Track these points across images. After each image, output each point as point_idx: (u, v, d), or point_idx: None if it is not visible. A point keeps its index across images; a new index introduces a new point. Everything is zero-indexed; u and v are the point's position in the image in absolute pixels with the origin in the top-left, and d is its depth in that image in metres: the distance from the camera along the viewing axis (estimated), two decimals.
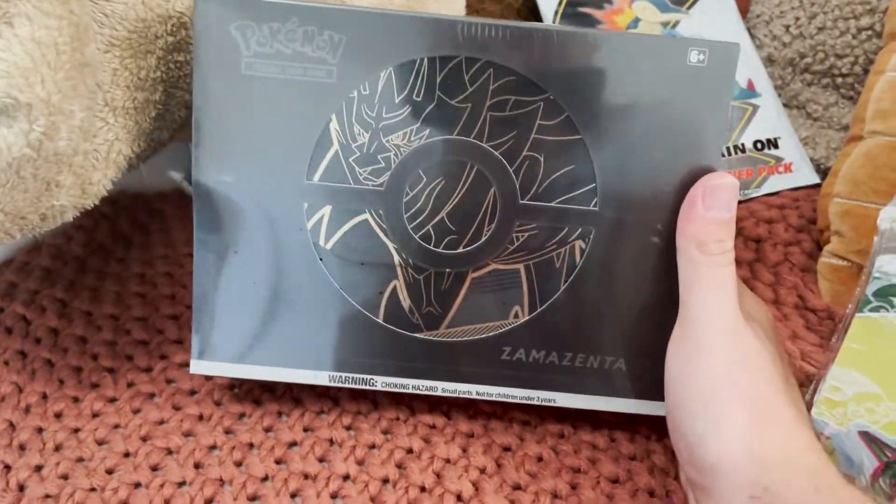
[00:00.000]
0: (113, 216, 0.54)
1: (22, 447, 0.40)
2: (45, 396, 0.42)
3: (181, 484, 0.37)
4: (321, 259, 0.36)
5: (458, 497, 0.36)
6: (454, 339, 0.37)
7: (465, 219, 0.36)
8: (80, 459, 0.39)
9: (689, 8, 0.60)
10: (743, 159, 0.55)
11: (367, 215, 0.36)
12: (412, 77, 0.34)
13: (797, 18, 0.56)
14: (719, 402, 0.30)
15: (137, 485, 0.37)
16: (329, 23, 0.34)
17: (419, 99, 0.34)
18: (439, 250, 0.36)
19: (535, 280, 0.37)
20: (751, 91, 0.57)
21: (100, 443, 0.39)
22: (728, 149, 0.55)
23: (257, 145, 0.35)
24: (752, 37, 0.60)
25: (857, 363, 0.33)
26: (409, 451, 0.38)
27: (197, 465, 0.38)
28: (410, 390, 0.38)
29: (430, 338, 0.37)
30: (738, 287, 0.33)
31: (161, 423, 0.40)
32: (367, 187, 0.36)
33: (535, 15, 0.62)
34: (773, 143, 0.56)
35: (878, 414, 0.33)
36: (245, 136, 0.35)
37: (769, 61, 0.59)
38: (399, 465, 0.37)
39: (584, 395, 0.38)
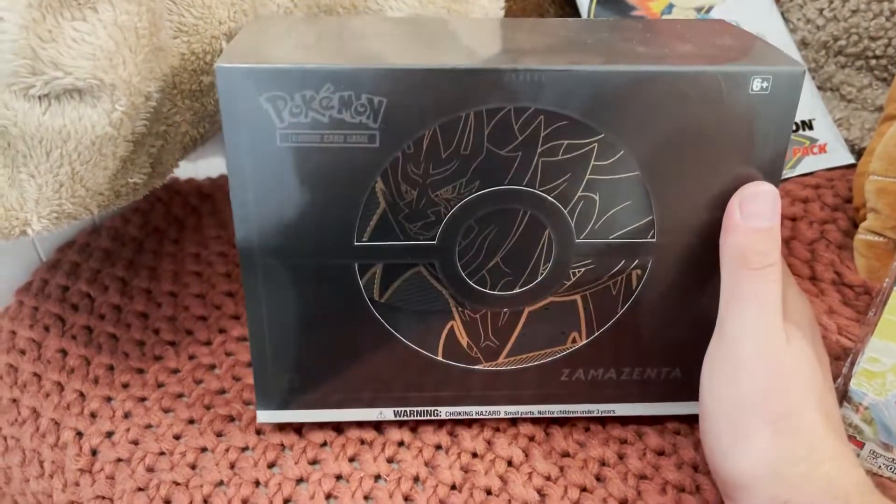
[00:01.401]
0: (167, 200, 0.56)
1: (93, 415, 0.42)
2: (111, 368, 0.44)
3: (244, 449, 0.39)
4: (376, 311, 0.36)
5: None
6: (513, 367, 0.38)
7: (520, 261, 0.35)
8: (149, 426, 0.41)
9: None
10: None
11: (420, 267, 0.35)
12: (458, 132, 0.32)
13: (830, 1, 0.57)
14: (747, 422, 0.31)
15: (203, 449, 0.39)
16: (367, 86, 0.31)
17: (467, 152, 0.33)
18: (495, 292, 0.36)
19: (593, 308, 0.37)
20: None
21: (166, 411, 0.42)
22: None
23: (301, 213, 0.33)
24: (786, 20, 0.61)
25: (895, 335, 0.34)
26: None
27: (258, 432, 0.40)
28: (474, 416, 0.39)
29: (489, 368, 0.38)
30: (781, 296, 0.33)
31: (221, 392, 0.42)
32: (419, 242, 0.35)
33: (572, 5, 0.63)
34: (807, 125, 0.57)
35: None
36: (287, 204, 0.33)
37: (803, 44, 0.60)
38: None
39: (642, 403, 0.39)
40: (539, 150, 0.33)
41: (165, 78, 0.34)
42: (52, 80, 0.30)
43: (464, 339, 0.37)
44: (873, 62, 0.57)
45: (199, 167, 0.60)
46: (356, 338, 0.37)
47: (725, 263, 0.34)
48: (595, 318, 0.37)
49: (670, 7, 0.60)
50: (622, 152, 0.33)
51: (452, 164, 0.33)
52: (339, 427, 0.40)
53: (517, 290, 0.36)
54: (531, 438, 0.39)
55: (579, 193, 0.34)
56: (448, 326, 0.37)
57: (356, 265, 0.35)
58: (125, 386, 0.43)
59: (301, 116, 0.31)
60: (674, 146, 0.33)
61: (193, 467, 0.39)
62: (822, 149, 0.56)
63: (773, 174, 0.33)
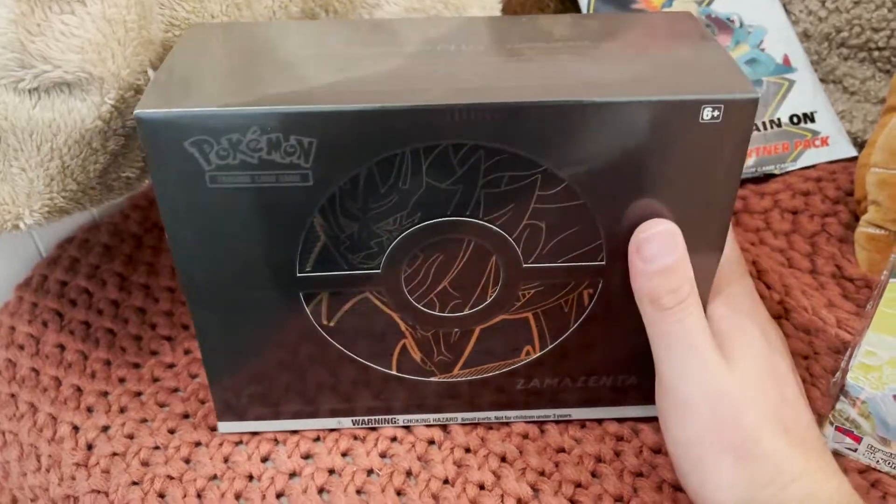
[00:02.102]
0: None
1: (89, 409, 0.42)
2: (108, 363, 0.44)
3: (238, 443, 0.39)
4: (327, 334, 0.36)
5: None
6: (468, 378, 0.38)
7: (467, 286, 0.35)
8: (144, 420, 0.41)
9: None
10: (778, 133, 0.55)
11: (367, 294, 0.35)
12: (395, 169, 0.31)
13: None
14: (707, 457, 0.31)
15: (198, 443, 0.39)
16: (294, 128, 0.30)
17: (406, 187, 0.32)
18: (444, 314, 0.36)
19: (545, 324, 0.37)
20: (787, 66, 0.58)
21: (161, 405, 0.42)
22: (763, 123, 0.56)
23: (239, 249, 0.33)
24: (788, 12, 0.60)
25: (892, 328, 0.33)
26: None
27: None
28: (431, 422, 0.40)
29: (445, 380, 0.38)
30: (705, 325, 0.32)
31: None
32: (363, 271, 0.34)
33: (573, 1, 0.63)
34: (809, 118, 0.56)
35: None
36: (225, 243, 0.33)
37: (805, 36, 0.59)
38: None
39: (598, 407, 0.40)
40: (481, 183, 0.32)
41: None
42: (41, 73, 0.30)
43: (417, 355, 0.37)
44: (876, 54, 0.56)
45: None
46: (309, 358, 0.37)
47: (642, 308, 0.33)
48: (548, 333, 0.37)
49: (671, 0, 0.60)
50: (566, 183, 0.32)
51: (392, 197, 0.32)
52: None
53: (467, 312, 0.36)
54: (525, 436, 0.39)
55: (525, 222, 0.33)
56: (400, 345, 0.37)
57: (301, 294, 0.35)
58: (122, 380, 0.43)
59: (229, 159, 0.30)
60: (620, 176, 0.32)
61: (187, 461, 0.39)
62: (824, 141, 0.56)
63: (724, 202, 0.32)
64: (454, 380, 0.38)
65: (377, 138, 0.30)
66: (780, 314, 0.44)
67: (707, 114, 0.30)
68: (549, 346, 0.37)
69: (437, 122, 0.30)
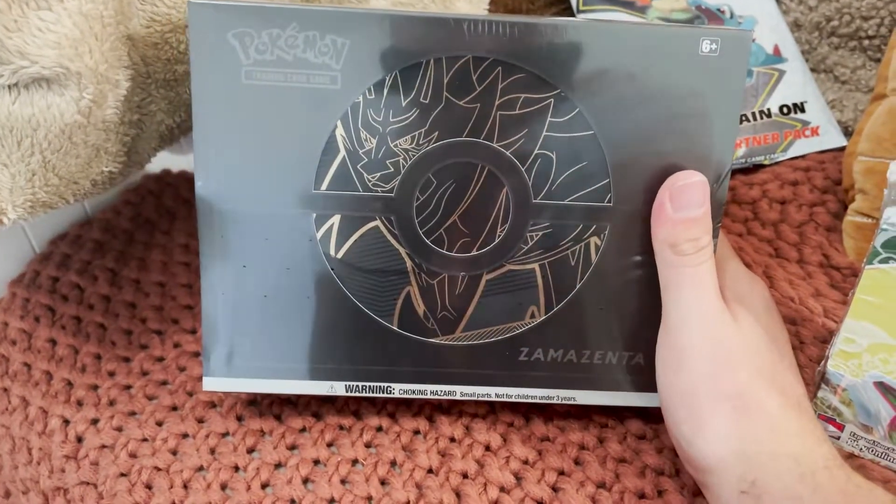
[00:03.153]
0: (158, 192, 0.57)
1: (79, 403, 0.42)
2: (98, 357, 0.45)
3: (224, 434, 0.39)
4: (332, 269, 0.36)
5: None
6: (470, 342, 0.37)
7: (477, 220, 0.35)
8: (133, 413, 0.41)
9: None
10: (768, 124, 0.55)
11: (377, 222, 0.35)
12: (419, 79, 0.33)
13: None
14: (702, 406, 0.31)
15: (185, 435, 0.40)
16: (331, 27, 0.32)
17: (427, 101, 0.33)
18: (452, 254, 0.36)
19: (551, 279, 0.36)
20: (777, 56, 0.57)
21: (149, 398, 0.42)
22: (753, 114, 0.55)
23: (262, 156, 0.34)
24: (779, 2, 0.60)
25: (869, 315, 0.33)
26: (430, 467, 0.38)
27: (239, 418, 0.40)
28: (429, 395, 0.38)
29: (447, 342, 0.37)
30: (729, 271, 0.33)
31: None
32: (377, 193, 0.35)
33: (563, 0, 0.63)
34: (799, 108, 0.56)
35: (892, 364, 0.33)
36: (249, 147, 0.34)
37: (796, 26, 0.59)
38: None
39: (604, 391, 0.38)
40: (497, 103, 0.34)
41: (136, 66, 0.35)
42: (18, 69, 0.30)
43: (420, 308, 0.37)
44: (866, 42, 0.56)
45: (191, 160, 0.61)
46: (310, 300, 0.36)
47: (659, 253, 0.34)
48: (554, 291, 0.37)
49: None
50: (577, 109, 0.34)
51: (412, 112, 0.34)
52: (318, 413, 0.40)
53: (475, 252, 0.36)
54: (510, 424, 0.39)
55: (536, 150, 0.34)
56: (405, 292, 0.36)
57: (314, 216, 0.35)
58: (111, 374, 0.44)
59: (266, 54, 0.32)
60: (627, 106, 0.34)
61: (174, 453, 0.39)
62: (815, 131, 0.55)
63: (725, 139, 0.34)
64: (456, 343, 0.37)
65: (404, 44, 0.33)
66: None
67: (706, 46, 0.33)
68: (555, 308, 0.37)
69: (460, 32, 0.32)
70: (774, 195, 0.51)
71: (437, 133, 0.34)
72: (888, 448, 0.36)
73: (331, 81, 0.33)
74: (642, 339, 0.37)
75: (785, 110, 0.56)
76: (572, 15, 0.61)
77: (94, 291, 0.49)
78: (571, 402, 0.38)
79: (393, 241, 0.36)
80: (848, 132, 0.56)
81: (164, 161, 0.59)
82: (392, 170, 0.35)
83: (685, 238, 0.33)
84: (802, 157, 0.55)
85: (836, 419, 0.36)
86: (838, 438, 0.37)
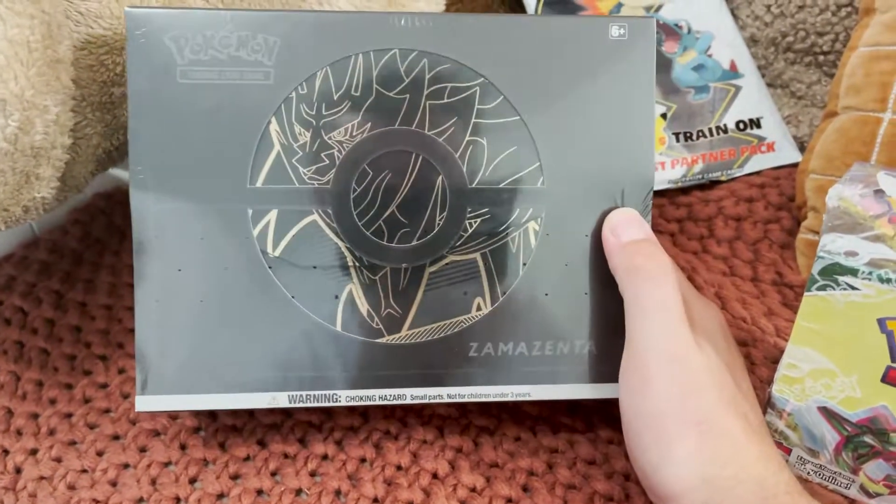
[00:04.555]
0: (108, 211, 0.55)
1: (19, 432, 0.41)
2: (40, 384, 0.44)
3: (166, 464, 0.39)
4: (270, 268, 0.35)
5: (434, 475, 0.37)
6: (417, 340, 0.36)
7: (416, 210, 0.36)
8: (73, 443, 0.40)
9: None
10: (724, 140, 0.55)
11: (315, 216, 0.35)
12: (348, 73, 0.35)
13: None
14: (668, 432, 0.31)
15: (126, 465, 0.39)
16: (263, 27, 0.34)
17: (357, 94, 0.35)
18: (393, 245, 0.36)
19: (494, 268, 0.36)
20: (733, 72, 0.57)
21: (91, 426, 0.41)
22: (710, 129, 0.55)
23: (197, 154, 0.34)
24: (736, 17, 0.60)
25: (810, 341, 0.33)
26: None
27: (182, 446, 0.39)
28: (377, 402, 0.36)
29: (393, 342, 0.36)
30: (684, 300, 0.33)
31: None
32: (313, 186, 0.35)
33: (519, 3, 0.62)
34: (755, 123, 0.56)
35: (834, 389, 0.33)
36: (184, 145, 0.34)
37: (752, 41, 0.59)
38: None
39: (558, 384, 0.37)
40: (426, 93, 0.35)
41: (67, 90, 0.34)
42: None
43: (363, 307, 0.36)
44: (821, 58, 0.56)
45: None
46: (248, 304, 0.35)
47: (620, 282, 0.34)
48: (498, 281, 0.37)
49: (619, 7, 0.60)
50: (502, 96, 0.35)
51: (344, 105, 0.35)
52: (263, 441, 0.39)
53: (415, 243, 0.36)
54: (459, 450, 0.39)
55: (467, 138, 0.36)
56: (347, 290, 0.36)
57: (250, 212, 0.35)
58: (52, 402, 0.43)
59: (201, 54, 0.34)
60: (548, 91, 0.36)
61: (114, 484, 0.38)
62: (770, 147, 0.56)
63: (643, 117, 0.36)
64: (403, 343, 0.36)
65: (332, 40, 0.34)
66: None
67: (615, 31, 0.36)
68: (501, 299, 0.37)
69: (385, 27, 0.35)
70: (730, 212, 0.51)
71: (369, 124, 0.35)
72: (835, 472, 0.35)
73: (264, 77, 0.34)
74: (590, 325, 0.37)
75: (741, 126, 0.56)
76: None
77: (38, 315, 0.47)
78: (526, 398, 0.37)
79: (332, 235, 0.36)
80: (804, 147, 0.56)
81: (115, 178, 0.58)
82: (327, 162, 0.35)
83: (642, 257, 0.34)
84: (758, 173, 0.55)
85: (784, 443, 0.36)
86: (786, 462, 0.37)
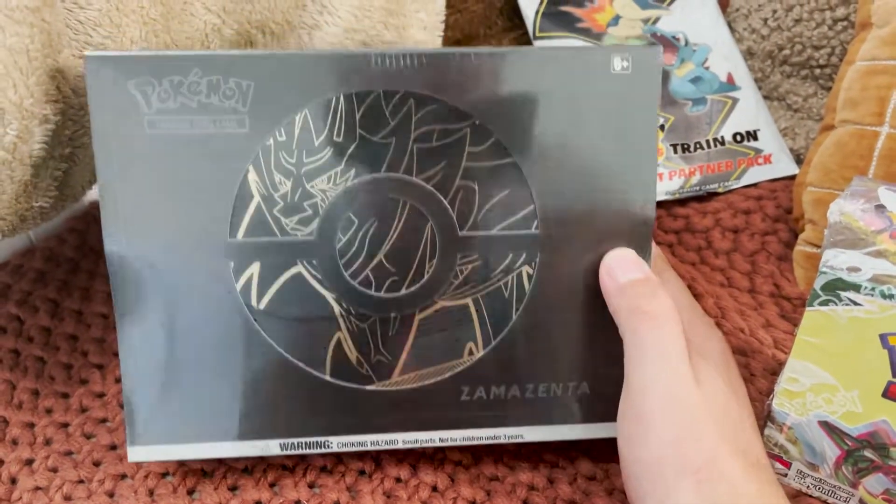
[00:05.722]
0: None
1: (14, 442, 0.41)
2: (36, 393, 0.43)
3: (164, 475, 0.38)
4: (256, 320, 0.34)
5: None
6: (409, 385, 0.36)
7: (404, 258, 0.34)
8: (69, 453, 0.40)
9: (669, 4, 0.60)
10: (722, 152, 0.56)
11: (299, 267, 0.34)
12: (329, 117, 0.32)
13: (774, 11, 0.57)
14: (666, 481, 0.30)
15: (123, 476, 0.38)
16: (234, 70, 0.31)
17: (340, 139, 0.33)
18: (381, 294, 0.35)
19: (486, 313, 0.35)
20: (730, 84, 0.58)
21: (87, 436, 0.41)
22: (707, 142, 0.56)
23: (172, 207, 0.33)
24: (732, 30, 0.60)
25: (812, 355, 0.33)
26: None
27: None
28: (370, 447, 0.36)
29: (384, 388, 0.35)
30: (685, 321, 0.32)
31: None
32: (296, 238, 0.34)
33: (518, 15, 0.63)
34: (752, 136, 0.56)
35: (835, 404, 0.33)
36: (157, 198, 0.32)
37: (749, 54, 0.59)
38: None
39: (552, 425, 0.37)
40: (413, 136, 0.33)
41: (67, 99, 0.34)
42: None
43: (353, 354, 0.35)
44: (818, 71, 0.57)
45: None
46: (236, 355, 0.34)
47: (622, 322, 0.33)
48: (490, 325, 0.35)
49: (617, 19, 0.60)
50: (494, 138, 0.33)
51: (326, 151, 0.33)
52: None
53: (404, 291, 0.35)
54: (458, 463, 0.39)
55: (458, 182, 0.34)
56: (335, 339, 0.35)
57: (231, 265, 0.33)
58: (48, 411, 0.42)
59: (169, 102, 0.31)
60: (544, 130, 0.33)
61: (111, 495, 0.38)
62: (767, 159, 0.56)
63: (647, 154, 0.34)
64: (394, 388, 0.36)
65: (311, 82, 0.32)
66: None
67: (618, 64, 0.33)
68: (493, 343, 0.35)
69: (367, 68, 0.32)
70: (727, 224, 0.51)
71: (353, 170, 0.33)
72: (834, 486, 0.35)
73: (238, 125, 0.32)
74: (585, 367, 0.36)
75: (738, 138, 0.56)
76: (529, 42, 0.61)
77: (34, 323, 0.47)
78: (519, 440, 0.37)
79: (318, 287, 0.34)
80: (800, 160, 0.57)
81: None
82: (310, 212, 0.33)
83: (641, 297, 0.33)
84: (755, 185, 0.55)
85: (783, 457, 0.36)
86: (785, 476, 0.37)
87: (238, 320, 0.34)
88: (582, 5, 0.60)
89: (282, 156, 0.33)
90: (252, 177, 0.33)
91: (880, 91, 0.44)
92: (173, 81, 0.31)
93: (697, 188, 0.55)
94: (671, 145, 0.55)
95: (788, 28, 0.56)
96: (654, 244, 0.36)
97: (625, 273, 0.34)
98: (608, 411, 0.35)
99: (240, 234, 0.33)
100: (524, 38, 0.62)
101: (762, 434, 0.36)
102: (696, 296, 0.46)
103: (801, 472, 0.36)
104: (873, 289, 0.31)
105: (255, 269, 0.34)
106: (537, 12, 0.60)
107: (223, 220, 0.33)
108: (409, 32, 0.52)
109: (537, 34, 0.60)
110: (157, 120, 0.31)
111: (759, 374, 0.42)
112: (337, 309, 0.34)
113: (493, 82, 0.33)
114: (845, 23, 0.54)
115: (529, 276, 0.35)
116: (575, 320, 0.35)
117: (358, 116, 0.32)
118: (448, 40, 0.59)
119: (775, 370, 0.42)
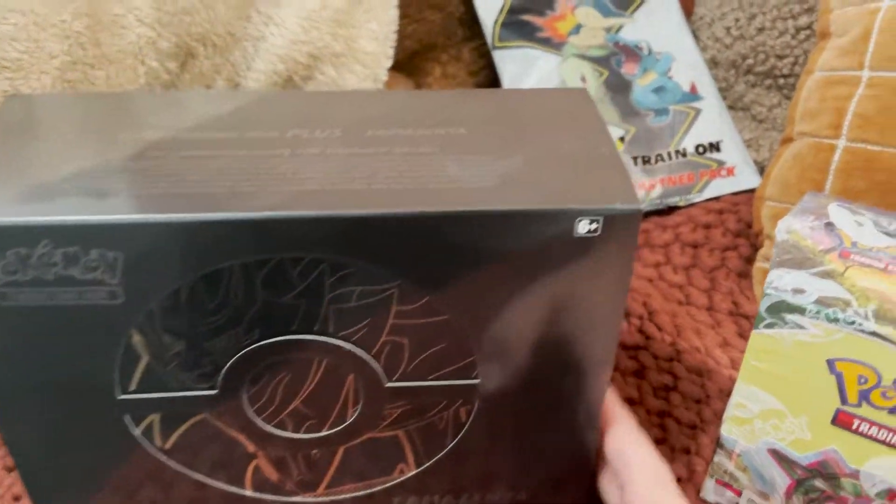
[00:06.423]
0: None
1: None
2: None
3: None
4: (165, 456, 0.31)
5: None
6: (337, 496, 0.33)
7: (324, 405, 0.30)
8: None
9: (632, 12, 0.59)
10: (683, 164, 0.54)
11: (205, 415, 0.30)
12: (223, 284, 0.27)
13: (737, 20, 0.55)
14: None
15: None
16: (94, 241, 0.25)
17: (239, 302, 0.27)
18: (300, 435, 0.31)
19: (419, 442, 0.32)
20: (693, 94, 0.56)
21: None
22: (669, 153, 0.54)
23: (48, 376, 0.28)
24: (696, 39, 0.59)
25: (759, 380, 0.32)
26: None
27: None
28: None
29: (310, 500, 0.33)
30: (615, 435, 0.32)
31: None
32: (197, 393, 0.29)
33: (477, 24, 0.61)
34: (715, 147, 0.55)
35: (783, 431, 0.32)
36: (28, 368, 0.28)
37: (713, 63, 0.58)
38: None
39: None
40: (327, 298, 0.28)
41: None
42: None
43: (273, 475, 0.32)
44: (781, 81, 0.55)
45: None
46: (157, 486, 0.32)
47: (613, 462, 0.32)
48: (423, 451, 0.32)
49: (578, 28, 0.59)
50: (427, 298, 0.28)
51: (223, 313, 0.28)
52: None
53: (325, 433, 0.31)
54: None
55: (384, 338, 0.29)
56: (252, 465, 0.32)
57: (126, 417, 0.30)
58: None
59: (19, 275, 0.26)
60: (489, 293, 0.28)
61: None
62: (731, 171, 0.54)
63: (610, 323, 0.29)
64: (320, 499, 0.33)
65: (196, 252, 0.26)
66: (672, 356, 0.42)
67: (583, 227, 0.27)
68: (426, 464, 0.32)
69: (266, 235, 0.26)
70: (687, 239, 0.50)
71: (257, 331, 0.28)
72: None
73: (110, 297, 0.27)
74: (523, 478, 0.34)
75: (701, 150, 0.55)
76: (488, 51, 0.59)
77: None
78: None
79: (227, 430, 0.30)
80: (763, 172, 0.55)
81: None
82: (211, 368, 0.29)
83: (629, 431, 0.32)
84: (717, 198, 0.54)
85: (733, 485, 0.35)
86: None
87: (147, 462, 0.31)
88: (542, 14, 0.59)
89: (170, 319, 0.27)
90: (137, 339, 0.28)
91: (838, 102, 0.42)
92: (19, 254, 0.25)
93: (658, 202, 0.53)
94: (632, 158, 0.54)
95: (751, 37, 0.55)
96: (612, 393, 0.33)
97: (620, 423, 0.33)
98: None
99: (132, 389, 0.29)
100: (484, 48, 0.61)
101: (712, 461, 0.35)
102: (651, 313, 0.44)
103: (752, 500, 0.35)
104: (818, 312, 0.29)
105: (154, 418, 0.30)
106: (496, 21, 0.59)
107: (109, 381, 0.29)
108: (358, 44, 0.51)
109: (496, 44, 0.58)
110: (7, 292, 0.26)
111: (714, 395, 0.41)
112: (251, 447, 0.31)
113: (424, 245, 0.27)
114: (808, 31, 0.53)
115: (468, 412, 0.31)
116: (513, 445, 0.33)
117: (259, 281, 0.27)
118: (405, 50, 0.58)
119: (731, 391, 0.41)
